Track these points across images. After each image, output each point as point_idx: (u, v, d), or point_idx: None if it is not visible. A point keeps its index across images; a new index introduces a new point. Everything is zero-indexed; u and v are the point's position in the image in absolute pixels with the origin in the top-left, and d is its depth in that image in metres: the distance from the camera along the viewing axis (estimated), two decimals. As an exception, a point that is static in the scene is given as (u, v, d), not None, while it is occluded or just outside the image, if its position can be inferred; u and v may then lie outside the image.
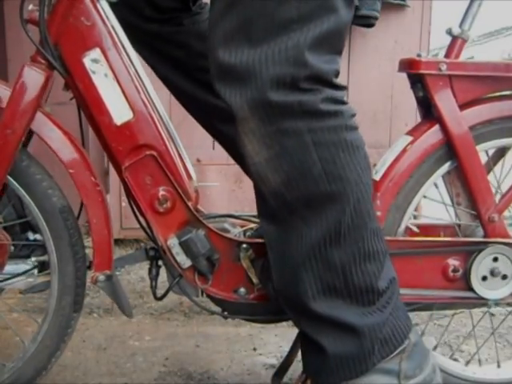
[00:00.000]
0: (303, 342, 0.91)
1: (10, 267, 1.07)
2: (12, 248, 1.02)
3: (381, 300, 0.86)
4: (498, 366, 1.13)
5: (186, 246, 0.92)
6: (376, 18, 2.05)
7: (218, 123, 1.14)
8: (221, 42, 0.78)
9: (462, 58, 1.00)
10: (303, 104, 0.77)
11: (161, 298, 1.00)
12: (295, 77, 0.76)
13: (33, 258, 1.06)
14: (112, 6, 0.92)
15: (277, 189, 0.81)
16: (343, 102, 0.82)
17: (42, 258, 1.04)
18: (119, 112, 0.91)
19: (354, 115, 0.84)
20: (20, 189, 0.95)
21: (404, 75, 1.03)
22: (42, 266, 1.07)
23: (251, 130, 0.79)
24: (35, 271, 1.23)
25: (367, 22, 2.05)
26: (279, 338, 1.45)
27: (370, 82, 2.14)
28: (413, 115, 2.13)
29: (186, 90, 1.15)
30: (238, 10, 0.77)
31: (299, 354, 1.18)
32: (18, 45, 1.98)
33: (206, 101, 1.10)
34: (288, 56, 0.75)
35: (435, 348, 1.15)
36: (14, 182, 0.95)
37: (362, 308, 0.84)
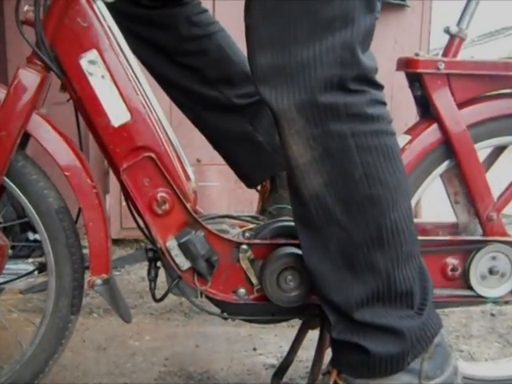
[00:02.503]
0: (335, 341, 0.90)
1: (10, 267, 1.07)
2: (10, 251, 1.01)
3: (418, 302, 0.86)
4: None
5: (184, 248, 0.92)
6: (376, 18, 2.05)
7: (201, 110, 1.16)
8: (264, 46, 0.78)
9: (461, 57, 1.00)
10: (349, 106, 0.78)
11: (160, 300, 1.00)
12: (343, 77, 0.77)
13: (32, 259, 1.07)
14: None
15: (318, 191, 0.81)
16: (384, 103, 0.83)
17: (40, 259, 1.04)
18: (117, 114, 0.90)
19: (391, 121, 0.84)
20: (16, 189, 0.94)
21: (404, 75, 1.03)
22: (43, 267, 1.06)
23: (297, 131, 0.79)
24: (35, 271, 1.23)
25: (367, 21, 2.05)
26: (279, 338, 1.45)
27: (369, 82, 2.13)
28: (413, 115, 2.11)
29: (170, 77, 1.15)
30: (280, 13, 0.76)
31: (299, 354, 1.19)
32: (18, 45, 1.97)
33: (190, 87, 1.12)
34: (336, 56, 0.76)
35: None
36: (10, 183, 0.94)
37: (402, 311, 0.85)
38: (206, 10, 1.16)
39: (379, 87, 0.83)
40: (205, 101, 1.16)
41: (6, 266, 1.01)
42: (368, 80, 0.80)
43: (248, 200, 2.10)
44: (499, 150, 1.11)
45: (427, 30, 2.20)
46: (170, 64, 1.14)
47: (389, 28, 2.17)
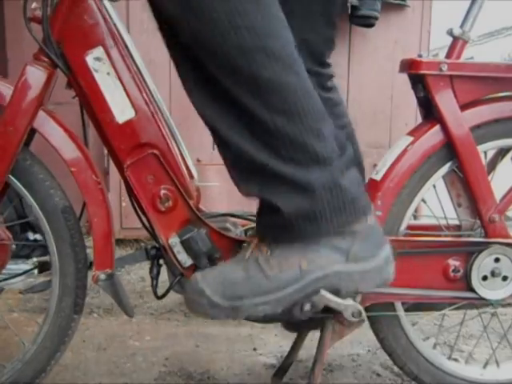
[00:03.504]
0: (261, 205, 0.89)
1: (11, 267, 1.07)
2: (14, 247, 1.02)
3: (336, 165, 0.82)
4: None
5: (187, 245, 0.92)
6: (376, 18, 2.06)
7: None
8: None
9: (462, 58, 1.00)
10: None
11: (162, 297, 1.00)
12: None
13: (34, 259, 1.07)
14: None
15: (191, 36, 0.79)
16: None
17: (42, 258, 1.04)
18: (121, 110, 0.91)
19: None
20: (22, 188, 0.94)
21: (404, 75, 1.03)
22: (42, 266, 1.06)
23: None
24: (35, 271, 1.23)
25: (367, 22, 2.06)
26: (279, 337, 1.45)
27: (370, 82, 2.14)
28: (413, 115, 2.13)
29: None
30: None
31: (300, 354, 1.19)
32: (18, 44, 1.98)
33: None
34: None
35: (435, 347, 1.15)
36: (17, 182, 0.94)
37: (313, 165, 0.81)
38: (341, 101, 1.17)
39: None
40: None
41: (7, 266, 1.01)
42: None
43: (248, 200, 2.10)
44: (502, 152, 1.11)
45: (427, 30, 2.21)
46: None
47: (389, 28, 2.18)
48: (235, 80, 0.80)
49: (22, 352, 1.00)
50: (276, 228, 0.85)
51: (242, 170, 0.86)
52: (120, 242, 2.13)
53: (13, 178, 0.94)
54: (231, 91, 0.80)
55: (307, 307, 0.87)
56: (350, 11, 2.02)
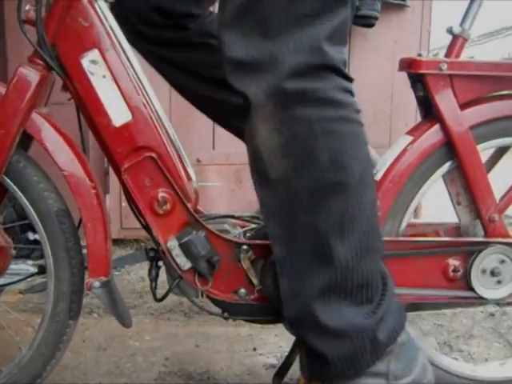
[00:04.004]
0: (300, 344, 0.92)
1: (11, 267, 1.06)
2: (13, 252, 1.01)
3: (375, 300, 0.86)
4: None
5: (185, 248, 0.92)
6: (376, 18, 2.05)
7: (237, 121, 1.15)
8: (235, 40, 0.81)
9: (462, 57, 0.99)
10: (316, 91, 0.81)
11: (161, 300, 1.00)
12: (310, 64, 0.80)
13: (32, 262, 1.06)
14: (117, 15, 0.92)
15: (285, 174, 0.83)
16: (352, 93, 0.86)
17: (39, 262, 1.03)
18: (118, 113, 0.90)
19: (359, 111, 0.87)
20: (17, 190, 0.93)
21: (404, 75, 1.03)
22: (43, 269, 1.06)
23: (265, 116, 0.82)
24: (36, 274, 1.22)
25: (367, 22, 2.05)
26: (279, 338, 1.45)
27: (370, 82, 2.13)
28: (413, 115, 2.13)
29: (202, 92, 1.17)
30: (251, 11, 0.80)
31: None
32: (18, 45, 1.97)
33: (223, 100, 1.12)
34: (304, 46, 0.79)
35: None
36: (11, 184, 0.93)
37: (356, 308, 0.85)
38: None
39: (347, 78, 0.85)
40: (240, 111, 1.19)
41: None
42: (335, 69, 0.83)
43: (248, 200, 2.09)
44: (502, 151, 1.10)
45: (427, 30, 2.20)
46: (202, 81, 1.15)
47: (389, 28, 2.17)
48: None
49: (19, 357, 0.99)
50: (321, 370, 0.88)
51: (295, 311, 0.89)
52: (120, 242, 2.12)
53: (7, 180, 0.93)
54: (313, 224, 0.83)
55: None
56: (349, 11, 2.01)
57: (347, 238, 0.83)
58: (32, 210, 0.93)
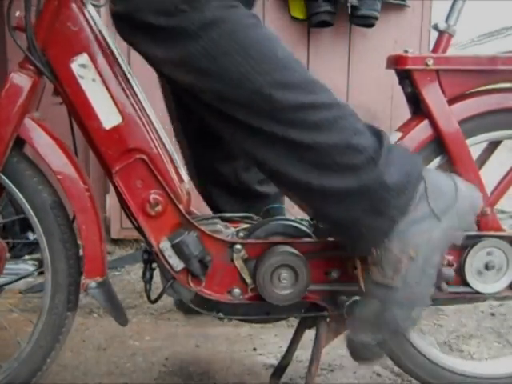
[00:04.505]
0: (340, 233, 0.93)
1: (10, 267, 1.07)
2: (8, 255, 1.02)
3: (368, 156, 0.86)
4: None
5: (178, 249, 0.92)
6: (376, 18, 2.05)
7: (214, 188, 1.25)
8: None
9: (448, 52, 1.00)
10: (195, 20, 0.82)
11: (155, 301, 1.00)
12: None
13: (29, 258, 1.07)
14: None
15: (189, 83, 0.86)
16: (235, 6, 0.85)
17: (37, 256, 1.03)
18: (108, 116, 0.91)
19: (252, 14, 0.88)
20: (11, 185, 0.94)
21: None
22: (41, 265, 1.06)
23: (164, 60, 0.87)
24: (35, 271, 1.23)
25: (367, 22, 2.05)
26: (279, 337, 1.45)
27: (370, 82, 2.13)
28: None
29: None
30: None
31: (300, 354, 1.19)
32: (18, 45, 1.98)
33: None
34: None
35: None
36: (5, 179, 0.94)
37: (351, 170, 0.86)
38: None
39: None
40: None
41: (6, 266, 1.01)
42: None
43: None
44: (494, 145, 1.10)
45: (427, 30, 2.20)
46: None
47: (389, 28, 2.17)
48: (264, 119, 0.85)
49: (18, 351, 1.00)
50: (359, 240, 0.89)
51: (301, 196, 0.91)
52: (120, 242, 2.13)
53: (2, 176, 0.94)
54: (264, 129, 0.86)
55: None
56: (350, 11, 2.01)
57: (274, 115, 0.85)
58: (27, 203, 0.95)
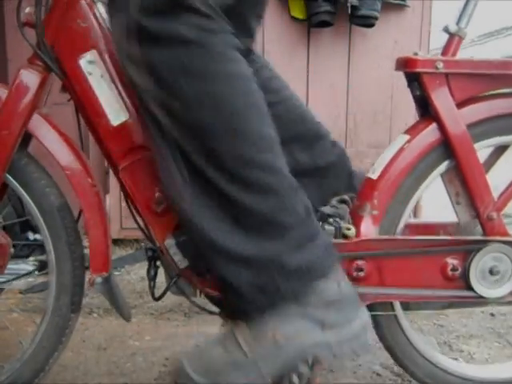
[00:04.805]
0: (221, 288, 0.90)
1: (11, 267, 1.07)
2: (12, 250, 1.02)
3: (289, 234, 0.82)
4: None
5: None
6: (376, 18, 2.05)
7: None
8: None
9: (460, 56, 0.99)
10: (169, 30, 0.78)
11: (159, 299, 1.00)
12: (160, 2, 0.78)
13: (32, 258, 1.07)
14: None
15: (159, 113, 0.82)
16: (211, 31, 0.80)
17: (41, 258, 1.04)
18: (116, 113, 0.91)
19: (236, 47, 0.82)
20: (19, 187, 0.95)
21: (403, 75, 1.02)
22: (42, 266, 1.07)
23: (128, 56, 0.82)
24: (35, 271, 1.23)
25: (367, 22, 2.05)
26: (280, 338, 1.45)
27: (370, 82, 2.14)
28: (413, 115, 2.12)
29: None
30: None
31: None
32: (18, 45, 1.97)
33: None
34: None
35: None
36: (13, 181, 0.95)
37: (263, 240, 0.82)
38: (277, 76, 1.14)
39: (204, 15, 0.79)
40: None
41: (7, 266, 1.02)
42: (189, 7, 0.78)
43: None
44: (501, 150, 1.10)
45: (427, 30, 2.20)
46: None
47: (389, 28, 2.17)
48: (205, 158, 0.81)
49: (21, 352, 1.00)
50: (238, 304, 0.85)
51: (198, 246, 0.87)
52: (120, 242, 2.13)
53: (9, 177, 0.95)
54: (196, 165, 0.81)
55: (295, 379, 0.85)
56: (350, 11, 2.01)
57: (228, 173, 0.80)
58: (34, 206, 0.95)
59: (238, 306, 0.86)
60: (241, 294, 0.83)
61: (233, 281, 0.83)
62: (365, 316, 0.88)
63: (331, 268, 0.86)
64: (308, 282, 0.83)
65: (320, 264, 0.85)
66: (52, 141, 0.94)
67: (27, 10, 0.94)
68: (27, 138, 0.97)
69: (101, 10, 0.94)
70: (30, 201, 0.95)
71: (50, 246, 0.96)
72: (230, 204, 0.82)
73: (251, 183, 0.81)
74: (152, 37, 0.78)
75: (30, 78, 0.92)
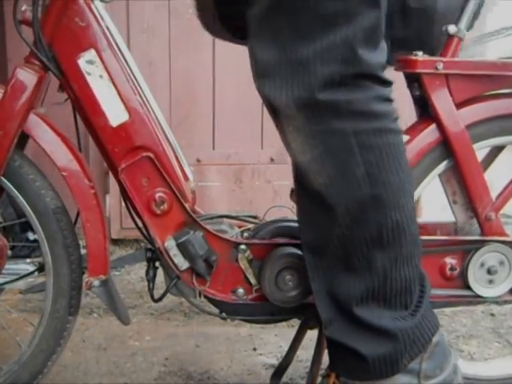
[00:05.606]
0: (330, 343, 0.91)
1: (10, 267, 1.07)
2: (10, 252, 1.01)
3: (414, 303, 0.86)
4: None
5: (183, 248, 0.92)
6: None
7: None
8: (264, 40, 0.77)
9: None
10: (350, 103, 0.76)
11: (159, 300, 1.00)
12: (344, 74, 0.75)
13: (28, 260, 1.07)
14: None
15: (318, 190, 0.80)
16: (390, 100, 0.81)
17: (39, 259, 1.03)
18: (115, 113, 0.91)
19: (397, 118, 0.83)
20: (13, 189, 0.94)
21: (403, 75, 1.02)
22: (42, 267, 1.06)
23: (296, 128, 0.78)
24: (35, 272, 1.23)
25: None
26: (279, 337, 1.45)
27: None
28: (413, 115, 2.12)
29: None
30: (282, 8, 0.75)
31: (299, 354, 1.18)
32: (18, 45, 1.95)
33: None
34: (337, 53, 0.74)
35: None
36: (7, 183, 0.94)
37: (396, 312, 0.84)
38: None
39: (385, 83, 0.80)
40: None
41: (6, 266, 1.01)
42: (372, 76, 0.77)
43: (248, 200, 2.10)
44: (497, 150, 1.10)
45: (427, 30, 2.20)
46: None
47: (389, 28, 2.17)
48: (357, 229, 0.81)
49: (19, 354, 1.00)
50: (355, 368, 0.87)
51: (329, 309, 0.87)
52: (120, 242, 2.12)
53: (4, 180, 0.94)
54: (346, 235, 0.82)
55: None
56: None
57: (386, 249, 0.81)
58: (29, 208, 0.94)
59: (349, 371, 0.88)
60: (368, 364, 0.84)
61: (364, 352, 0.83)
62: (454, 359, 0.91)
63: (438, 324, 0.90)
64: (425, 345, 0.86)
65: (434, 324, 0.88)
66: (49, 141, 0.93)
67: (24, 7, 0.93)
68: (23, 138, 0.96)
69: (99, 8, 0.93)
70: (25, 203, 0.94)
71: (46, 249, 0.95)
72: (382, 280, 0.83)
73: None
74: (332, 110, 0.76)
75: (26, 77, 0.90)
